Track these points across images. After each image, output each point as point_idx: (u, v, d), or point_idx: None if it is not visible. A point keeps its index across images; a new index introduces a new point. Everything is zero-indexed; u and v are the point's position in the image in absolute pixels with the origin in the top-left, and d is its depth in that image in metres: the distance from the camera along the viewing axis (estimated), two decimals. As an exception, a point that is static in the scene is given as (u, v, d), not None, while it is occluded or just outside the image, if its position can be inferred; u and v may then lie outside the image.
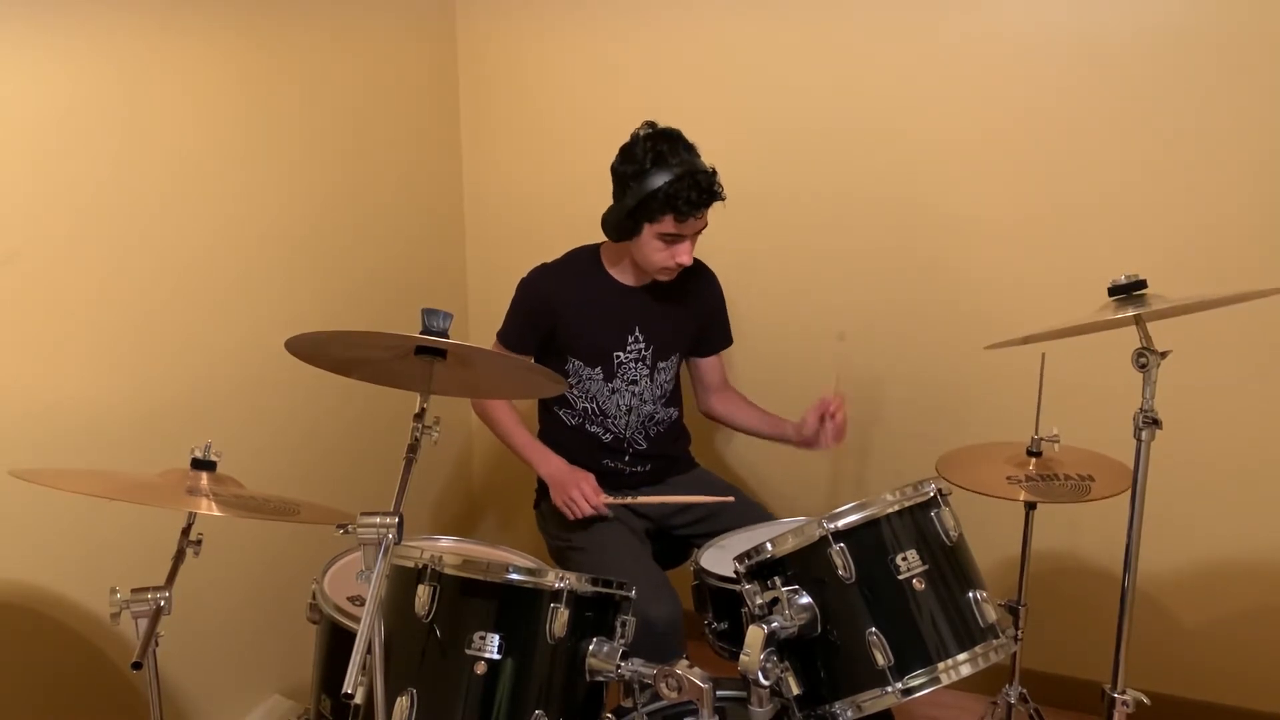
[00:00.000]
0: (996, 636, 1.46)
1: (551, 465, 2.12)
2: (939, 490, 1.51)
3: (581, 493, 2.04)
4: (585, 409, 2.16)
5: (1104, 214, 2.24)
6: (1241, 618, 2.32)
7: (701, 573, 1.82)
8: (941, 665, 1.41)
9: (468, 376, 1.53)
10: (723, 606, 1.77)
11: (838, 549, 1.43)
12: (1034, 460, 1.92)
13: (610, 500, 2.07)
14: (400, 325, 1.46)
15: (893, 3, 2.31)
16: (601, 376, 2.13)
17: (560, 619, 1.41)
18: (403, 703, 1.37)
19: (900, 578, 1.44)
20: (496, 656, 1.39)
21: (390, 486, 1.32)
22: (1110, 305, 1.58)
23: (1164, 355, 1.54)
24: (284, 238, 2.22)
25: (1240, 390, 2.21)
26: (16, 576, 1.73)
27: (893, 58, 2.34)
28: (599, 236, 2.16)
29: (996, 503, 1.84)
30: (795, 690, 1.44)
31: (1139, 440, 1.57)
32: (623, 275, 2.14)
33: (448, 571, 1.42)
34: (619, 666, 1.42)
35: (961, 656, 1.42)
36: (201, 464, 1.49)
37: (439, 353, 1.38)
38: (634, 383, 2.15)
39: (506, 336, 2.16)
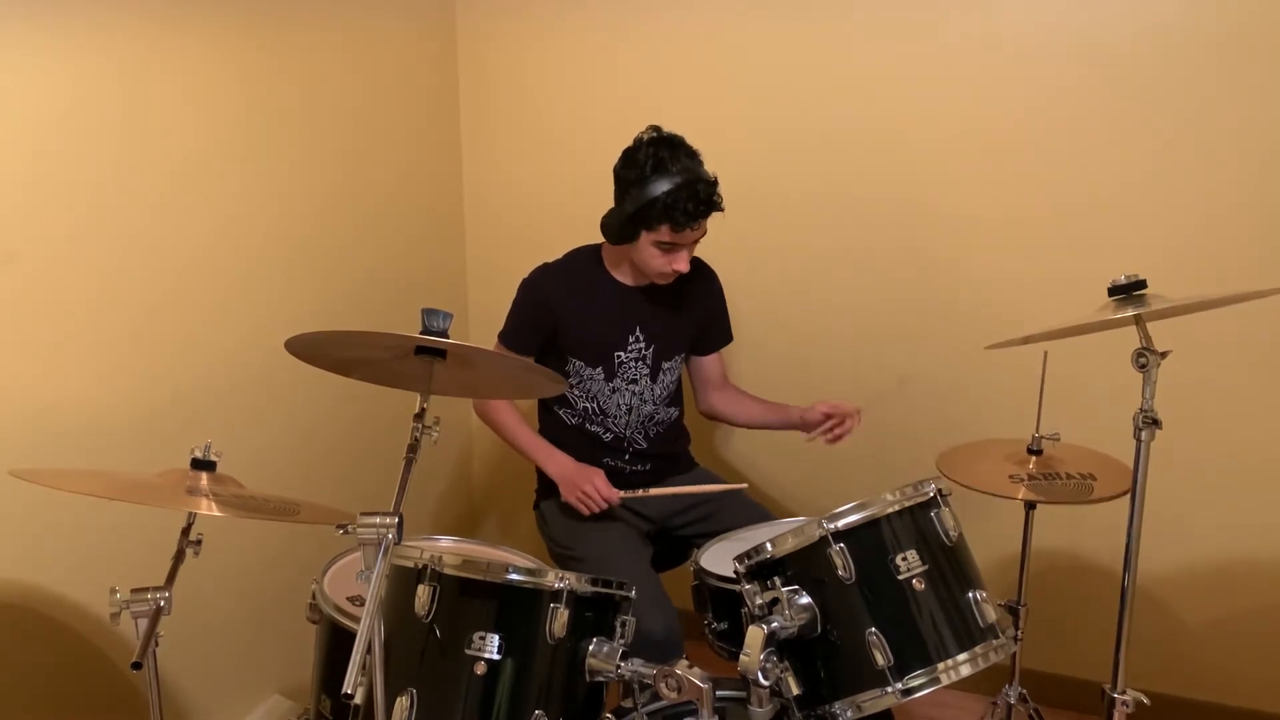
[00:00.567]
0: (996, 636, 1.46)
1: (559, 463, 2.12)
2: (939, 490, 1.51)
3: (594, 487, 2.04)
4: (586, 408, 2.16)
5: (1104, 214, 2.24)
6: (1242, 617, 2.32)
7: (701, 573, 1.82)
8: (941, 665, 1.41)
9: (468, 376, 1.53)
10: (722, 606, 1.77)
11: (838, 549, 1.43)
12: (1034, 459, 1.92)
13: (623, 495, 2.06)
14: (400, 325, 1.46)
15: (893, 3, 2.31)
16: (602, 376, 2.13)
17: (560, 619, 1.41)
18: (402, 703, 1.37)
19: (900, 578, 1.44)
20: (496, 656, 1.39)
21: (390, 486, 1.32)
22: (1110, 305, 1.58)
23: (1164, 355, 1.54)
24: (284, 238, 2.22)
25: (1240, 390, 2.21)
26: (16, 576, 1.73)
27: (893, 58, 2.34)
28: (599, 236, 2.16)
29: (996, 502, 1.84)
30: (795, 690, 1.44)
31: (1139, 440, 1.57)
32: (624, 275, 2.14)
33: (448, 571, 1.42)
34: (619, 667, 1.42)
35: (961, 657, 1.42)
36: (201, 464, 1.49)
37: (439, 353, 1.38)
38: (634, 382, 2.15)
39: (508, 336, 2.16)
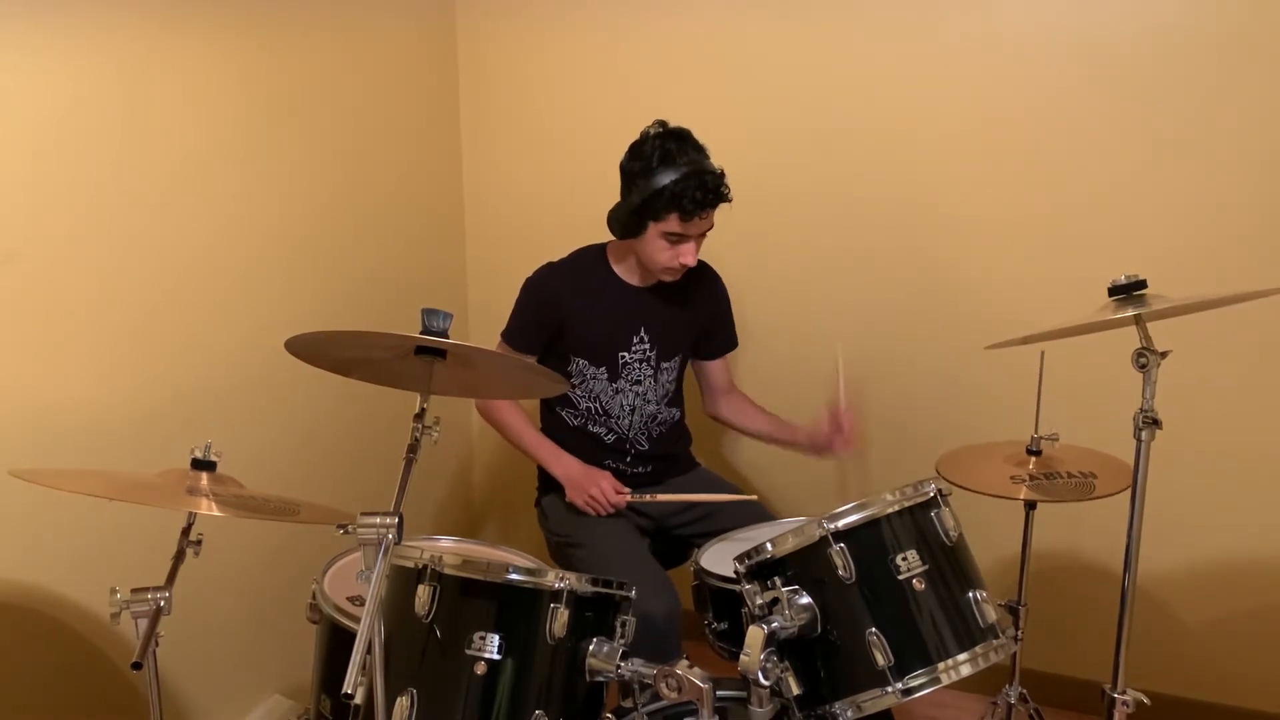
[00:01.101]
0: (996, 636, 1.46)
1: (566, 466, 2.11)
2: (939, 490, 1.51)
3: (601, 490, 2.04)
4: (589, 408, 2.16)
5: (1104, 214, 2.24)
6: (1242, 617, 2.32)
7: (701, 573, 1.82)
8: (941, 665, 1.41)
9: (468, 376, 1.53)
10: (723, 606, 1.77)
11: (838, 549, 1.43)
12: (1034, 459, 1.92)
13: (631, 498, 2.06)
14: (400, 325, 1.46)
15: (893, 3, 2.31)
16: (606, 376, 2.13)
17: (560, 619, 1.41)
18: (403, 703, 1.37)
19: (900, 578, 1.44)
20: (496, 657, 1.39)
21: (390, 486, 1.32)
22: (1110, 305, 1.58)
23: (1164, 355, 1.54)
24: (284, 237, 2.22)
25: (1240, 390, 2.21)
26: (16, 576, 1.73)
27: (893, 58, 2.34)
28: (599, 236, 2.16)
29: (996, 503, 1.84)
30: (795, 690, 1.44)
31: (1139, 440, 1.57)
32: (629, 275, 2.14)
33: (448, 571, 1.42)
34: (619, 666, 1.42)
35: (961, 656, 1.42)
36: (201, 464, 1.49)
37: (439, 353, 1.38)
38: (638, 382, 2.15)
39: (511, 335, 2.15)
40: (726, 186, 1.97)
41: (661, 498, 2.12)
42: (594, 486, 2.04)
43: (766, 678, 1.35)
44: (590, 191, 2.12)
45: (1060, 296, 2.26)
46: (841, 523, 1.45)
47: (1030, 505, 2.02)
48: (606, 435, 2.18)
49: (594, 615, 1.47)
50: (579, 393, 2.15)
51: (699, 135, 2.01)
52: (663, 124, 1.99)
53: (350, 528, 1.26)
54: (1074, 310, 1.78)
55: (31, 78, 1.65)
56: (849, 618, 1.43)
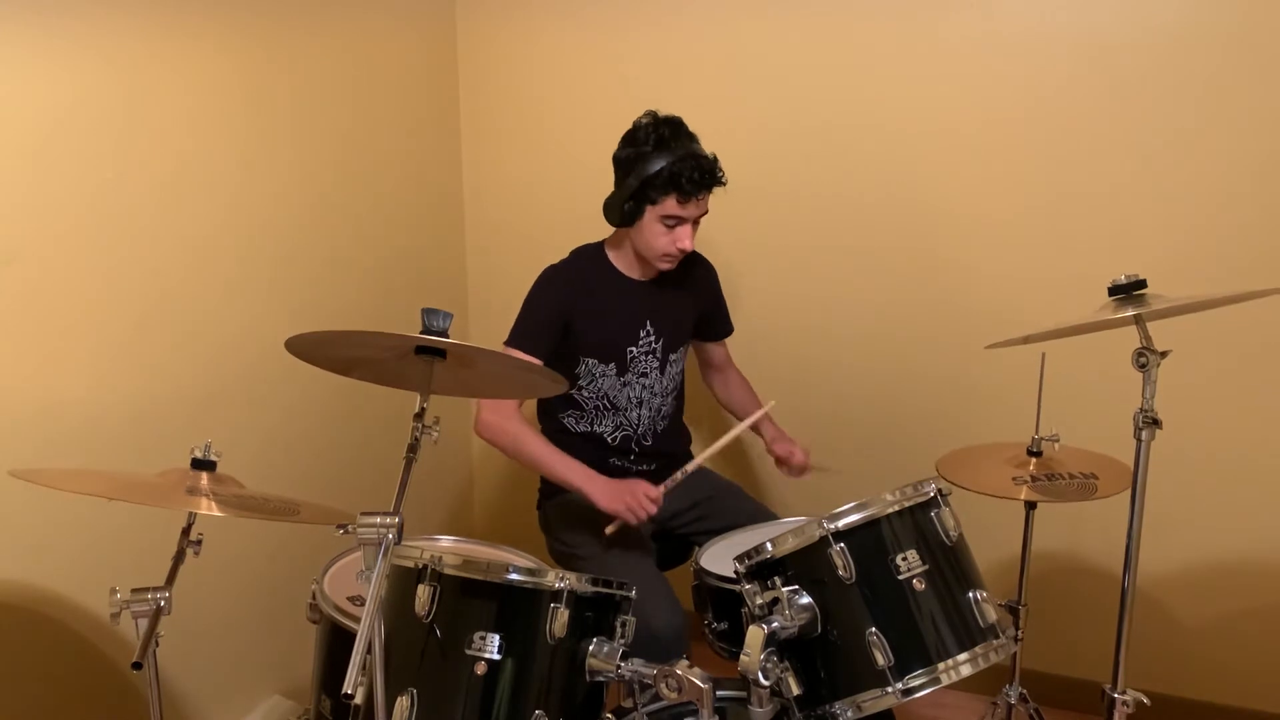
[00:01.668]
0: (996, 636, 1.46)
1: (598, 482, 2.01)
2: (939, 490, 1.51)
3: (641, 493, 1.95)
4: (596, 407, 2.16)
5: (1104, 214, 2.24)
6: (1242, 617, 2.32)
7: (701, 573, 1.82)
8: (941, 665, 1.41)
9: (468, 376, 1.53)
10: (723, 606, 1.77)
11: (838, 549, 1.43)
12: (1035, 460, 1.92)
13: (665, 487, 2.00)
14: (400, 325, 1.46)
15: (893, 2, 2.31)
16: (614, 372, 2.13)
17: (560, 619, 1.41)
18: (403, 703, 1.37)
19: (900, 578, 1.44)
20: (496, 656, 1.39)
21: (390, 486, 1.32)
22: (1110, 305, 1.58)
23: (1164, 355, 1.54)
24: (284, 237, 2.22)
25: (1240, 390, 2.21)
26: (16, 576, 1.73)
27: (893, 57, 2.34)
28: (599, 235, 2.16)
29: (997, 502, 1.84)
30: (795, 690, 1.44)
31: (1139, 440, 1.57)
32: (629, 269, 2.14)
33: (448, 571, 1.41)
34: (619, 667, 1.42)
35: (962, 656, 1.42)
36: (201, 464, 1.49)
37: (439, 353, 1.38)
38: (644, 375, 2.16)
39: (522, 340, 2.07)
40: (721, 170, 1.98)
41: (690, 467, 2.05)
42: (630, 495, 1.95)
43: (766, 678, 1.35)
44: (590, 191, 2.12)
45: (1060, 296, 2.26)
46: (841, 523, 1.45)
47: (1030, 505, 2.02)
48: (612, 434, 2.17)
49: (594, 615, 1.47)
50: (586, 393, 2.15)
51: (698, 132, 2.01)
52: (653, 113, 2.01)
53: (350, 528, 1.26)
54: (1074, 310, 1.78)
55: (31, 78, 1.65)
56: (849, 618, 1.43)
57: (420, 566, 1.42)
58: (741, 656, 1.36)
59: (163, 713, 1.46)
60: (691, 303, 2.23)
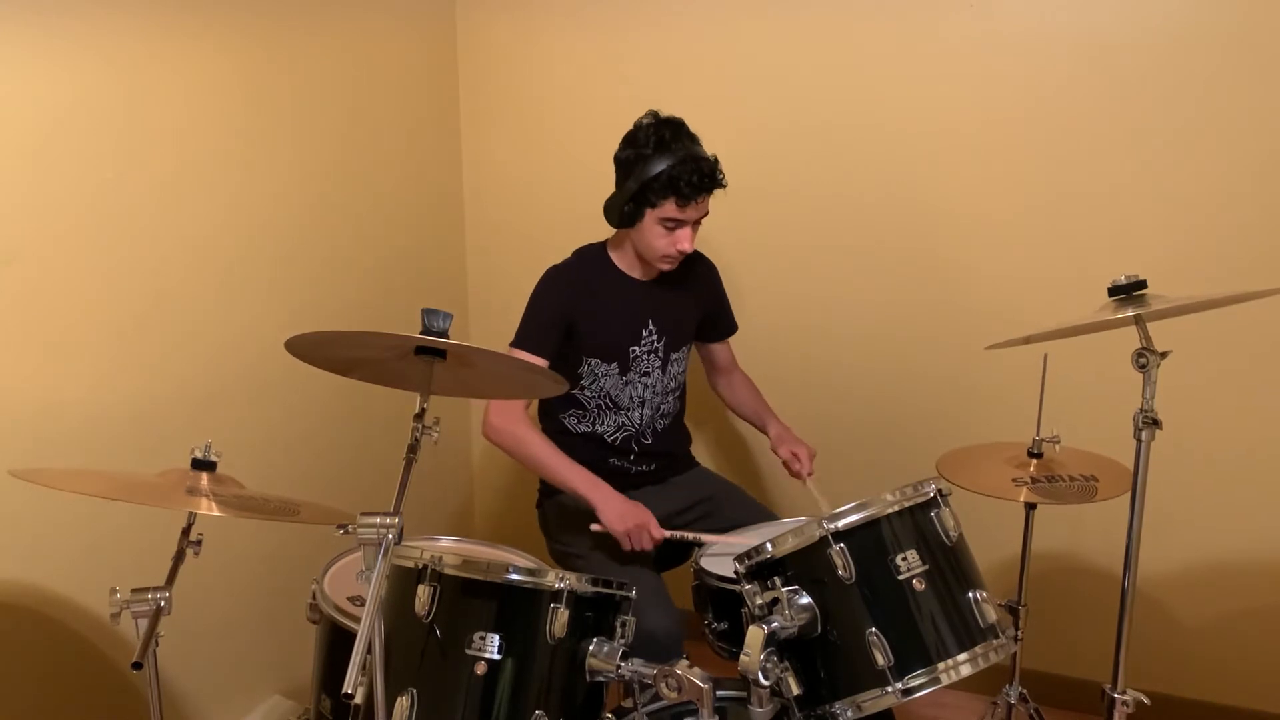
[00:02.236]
0: (996, 636, 1.46)
1: (609, 496, 2.00)
2: (939, 490, 1.51)
3: (650, 527, 1.95)
4: (598, 406, 2.16)
5: (1104, 214, 2.24)
6: (1242, 617, 2.32)
7: (701, 573, 1.82)
8: (941, 665, 1.41)
9: (468, 376, 1.53)
10: (723, 607, 1.77)
11: (838, 549, 1.43)
12: (1035, 461, 1.92)
13: (669, 535, 1.99)
14: (400, 325, 1.46)
15: (893, 2, 2.31)
16: (617, 371, 2.13)
17: (560, 619, 1.41)
18: (403, 703, 1.37)
19: (900, 578, 1.44)
20: (496, 657, 1.39)
21: (390, 486, 1.32)
22: (1110, 305, 1.58)
23: (1164, 355, 1.54)
24: (284, 238, 2.22)
25: (1240, 390, 2.21)
26: (16, 576, 1.73)
27: (893, 57, 2.34)
28: (599, 235, 2.16)
29: (997, 503, 1.84)
30: (795, 690, 1.43)
31: (1139, 440, 1.57)
32: (631, 269, 2.14)
33: (448, 571, 1.41)
34: (619, 667, 1.42)
35: (961, 656, 1.42)
36: (201, 464, 1.49)
37: (439, 353, 1.38)
38: (646, 374, 2.16)
39: (527, 342, 2.07)
40: (721, 172, 1.98)
41: (693, 537, 2.01)
42: (635, 524, 1.94)
43: (766, 678, 1.35)
44: (590, 191, 2.12)
45: (1060, 296, 2.26)
46: (841, 523, 1.45)
47: (1030, 506, 2.02)
48: (614, 434, 2.17)
49: (594, 615, 1.47)
50: (588, 393, 2.15)
51: (698, 131, 2.01)
52: (655, 114, 2.01)
53: (350, 528, 1.26)
54: (1074, 310, 1.78)
55: (31, 78, 1.65)
56: (849, 618, 1.43)
57: (420, 566, 1.42)
58: (741, 656, 1.36)
59: (163, 713, 1.46)
60: (694, 301, 2.23)
